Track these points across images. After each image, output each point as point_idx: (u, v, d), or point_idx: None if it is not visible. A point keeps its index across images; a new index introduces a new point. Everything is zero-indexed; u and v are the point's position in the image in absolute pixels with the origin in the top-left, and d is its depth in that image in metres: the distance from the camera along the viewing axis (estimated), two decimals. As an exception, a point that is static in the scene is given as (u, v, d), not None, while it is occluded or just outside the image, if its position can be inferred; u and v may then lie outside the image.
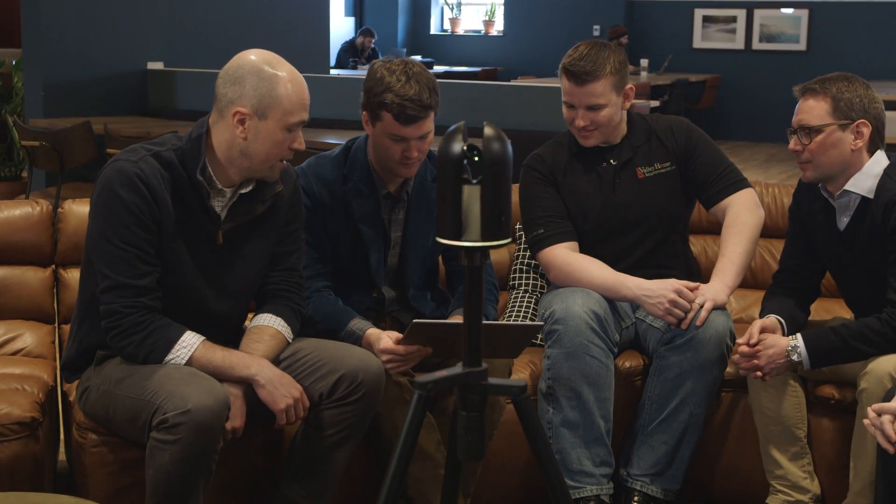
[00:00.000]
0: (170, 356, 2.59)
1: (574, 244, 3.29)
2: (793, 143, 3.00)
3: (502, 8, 15.60)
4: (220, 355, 2.63)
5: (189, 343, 2.60)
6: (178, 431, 2.44)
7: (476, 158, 1.74)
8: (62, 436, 3.14)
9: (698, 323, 3.08)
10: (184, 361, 2.59)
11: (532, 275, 3.65)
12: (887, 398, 2.64)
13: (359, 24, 15.97)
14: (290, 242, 2.85)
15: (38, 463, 2.81)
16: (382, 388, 2.76)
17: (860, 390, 2.90)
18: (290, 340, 2.81)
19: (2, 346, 3.25)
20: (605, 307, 3.14)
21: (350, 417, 2.72)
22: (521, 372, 3.23)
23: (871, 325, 2.91)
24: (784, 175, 10.71)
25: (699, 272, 3.49)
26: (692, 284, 3.14)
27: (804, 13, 13.68)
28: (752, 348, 3.02)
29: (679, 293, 3.09)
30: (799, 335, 2.99)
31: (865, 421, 2.59)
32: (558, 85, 3.31)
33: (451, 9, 16.26)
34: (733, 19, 14.06)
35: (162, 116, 7.92)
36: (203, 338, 2.63)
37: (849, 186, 2.99)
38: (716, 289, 3.14)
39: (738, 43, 14.05)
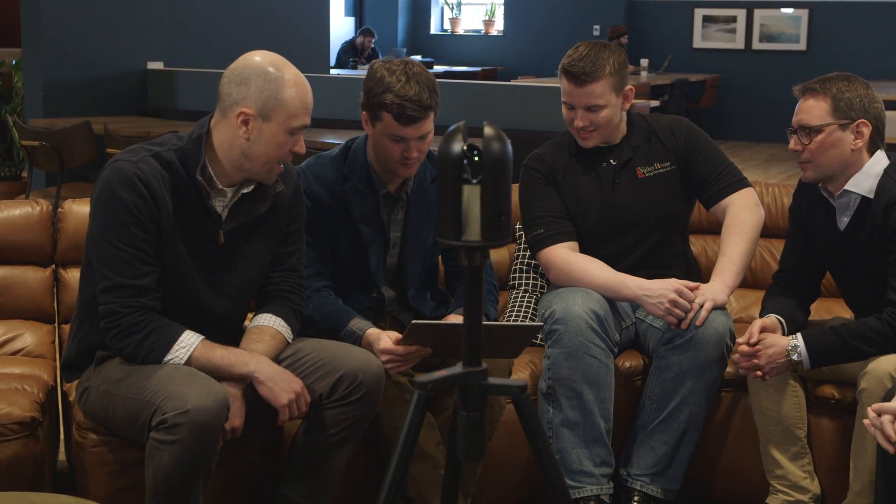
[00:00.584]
0: (169, 356, 2.59)
1: (574, 244, 3.29)
2: (793, 143, 3.00)
3: (502, 8, 15.60)
4: (220, 354, 2.63)
5: (188, 343, 2.60)
6: (177, 432, 2.44)
7: (476, 158, 1.74)
8: (62, 436, 3.13)
9: (698, 323, 3.08)
10: (183, 361, 2.59)
11: (532, 275, 3.65)
12: (887, 398, 2.64)
13: (359, 24, 15.97)
14: (292, 243, 2.85)
15: (38, 463, 2.81)
16: (382, 388, 2.76)
17: (860, 390, 2.90)
18: (290, 341, 2.80)
19: (2, 346, 3.25)
20: (606, 307, 3.14)
21: (350, 417, 2.72)
22: (521, 372, 3.23)
23: (871, 324, 2.91)
24: (784, 175, 10.71)
25: (699, 272, 3.49)
26: (692, 284, 3.14)
27: (804, 13, 13.68)
28: (752, 348, 3.02)
29: (679, 293, 3.09)
30: (799, 335, 2.99)
31: (865, 421, 2.59)
32: (558, 85, 3.31)
33: (451, 9, 16.26)
34: (733, 19, 14.07)
35: (162, 116, 7.92)
36: (202, 337, 2.63)
37: (849, 186, 2.98)
38: (716, 288, 3.14)
39: (738, 43, 14.06)
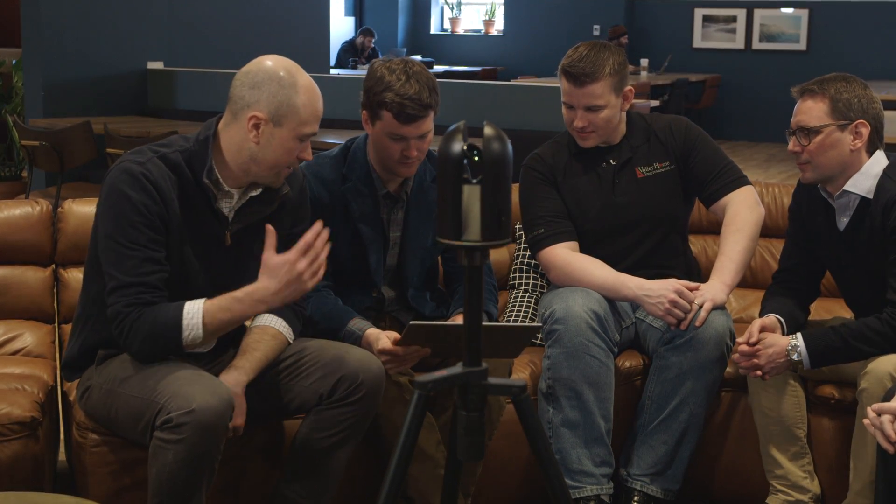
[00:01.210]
0: (185, 334, 2.53)
1: (574, 244, 3.29)
2: (792, 145, 3.00)
3: (502, 8, 15.60)
4: (227, 306, 2.56)
5: (194, 311, 2.54)
6: (182, 431, 2.43)
7: (476, 158, 1.74)
8: (62, 436, 3.13)
9: (698, 323, 3.08)
10: (200, 330, 2.54)
11: (532, 275, 3.65)
12: (887, 398, 2.64)
13: (359, 24, 15.97)
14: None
15: (38, 463, 2.81)
16: (382, 389, 2.76)
17: (860, 390, 2.90)
18: (291, 341, 2.80)
19: (2, 346, 3.25)
20: (606, 307, 3.14)
21: (350, 418, 2.72)
22: (521, 372, 3.23)
23: (871, 324, 2.91)
24: (784, 175, 10.71)
25: (699, 271, 3.49)
26: (692, 284, 3.14)
27: (804, 13, 13.68)
28: (752, 347, 3.02)
29: (679, 293, 3.09)
30: (799, 335, 2.99)
31: (865, 421, 2.59)
32: (558, 85, 3.32)
33: (451, 8, 16.26)
34: (733, 19, 14.07)
35: (162, 116, 7.92)
36: (200, 303, 2.56)
37: (848, 187, 2.99)
38: (715, 288, 3.13)
39: (738, 43, 14.06)
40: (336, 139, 6.20)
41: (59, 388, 3.13)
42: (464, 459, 1.91)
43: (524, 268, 3.66)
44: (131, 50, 8.16)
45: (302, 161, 2.69)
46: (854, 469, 2.98)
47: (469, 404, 1.85)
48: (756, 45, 13.99)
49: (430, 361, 2.97)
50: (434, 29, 16.36)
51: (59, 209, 3.38)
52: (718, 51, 14.15)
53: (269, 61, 2.62)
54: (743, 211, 3.26)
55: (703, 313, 3.08)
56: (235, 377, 2.65)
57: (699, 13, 14.25)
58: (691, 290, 3.11)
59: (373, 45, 14.39)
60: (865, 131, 2.95)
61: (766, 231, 3.56)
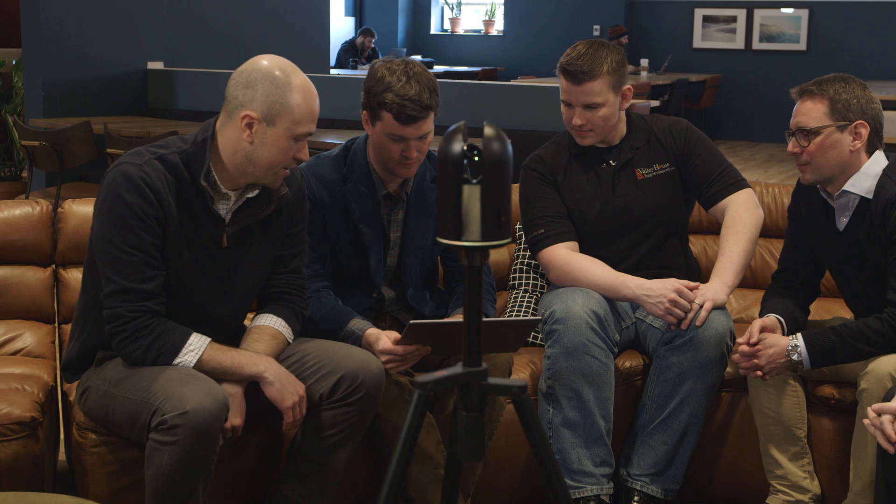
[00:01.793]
0: (178, 360, 2.58)
1: (574, 244, 3.30)
2: (791, 146, 3.00)
3: (502, 8, 15.60)
4: (229, 357, 2.63)
5: (196, 346, 2.60)
6: (176, 433, 2.44)
7: (476, 158, 1.74)
8: (62, 436, 3.13)
9: (698, 323, 3.08)
10: (192, 364, 2.59)
11: (532, 275, 3.65)
12: (887, 398, 2.65)
13: (359, 24, 15.97)
14: (294, 244, 2.84)
15: (38, 463, 2.81)
16: (382, 389, 2.76)
17: (860, 390, 2.90)
18: (291, 341, 2.80)
19: (2, 346, 3.25)
20: (605, 307, 3.14)
21: (350, 418, 2.72)
22: (521, 372, 3.23)
23: (871, 324, 2.91)
24: (784, 175, 10.71)
25: (699, 272, 3.50)
26: (692, 284, 3.14)
27: (804, 13, 13.68)
28: (752, 347, 3.02)
29: (679, 293, 3.09)
30: (799, 335, 3.00)
31: (865, 421, 2.59)
32: (558, 85, 3.32)
33: (451, 9, 16.26)
34: (733, 19, 14.07)
35: (162, 116, 7.93)
36: (209, 339, 2.63)
37: (848, 187, 2.99)
38: (715, 288, 3.14)
39: (738, 43, 14.06)
40: (336, 139, 6.21)
41: (59, 388, 3.13)
42: (464, 459, 1.91)
43: (524, 268, 3.66)
44: (131, 50, 8.17)
45: (299, 162, 2.68)
46: (854, 469, 2.98)
47: (469, 404, 1.85)
48: (756, 45, 13.99)
49: (431, 361, 2.97)
50: (434, 29, 16.36)
51: (59, 209, 3.38)
52: (718, 51, 14.15)
53: (265, 60, 2.62)
54: (743, 213, 3.27)
55: (703, 313, 3.08)
56: (235, 377, 2.65)
57: (699, 13, 14.25)
58: (691, 289, 3.11)
59: (373, 46, 14.40)
60: (865, 132, 2.95)
61: (766, 231, 3.56)
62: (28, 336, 3.28)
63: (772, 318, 3.09)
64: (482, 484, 3.12)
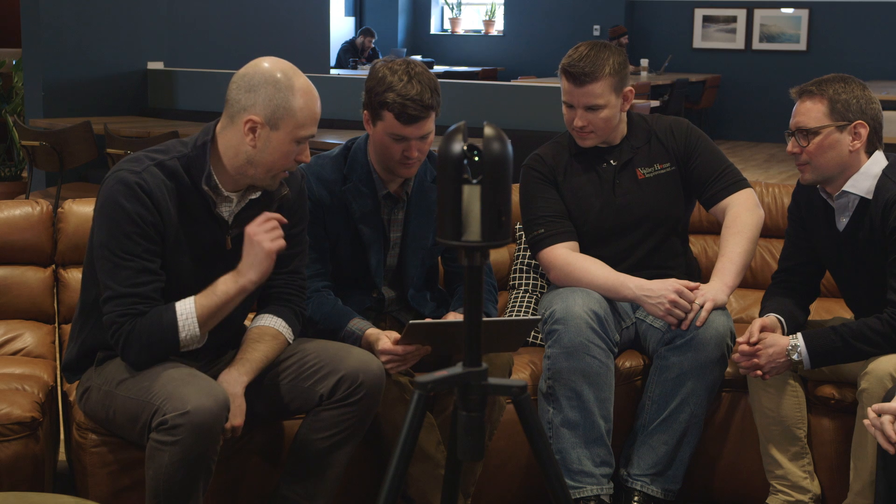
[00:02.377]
0: (182, 334, 2.54)
1: (574, 244, 3.29)
2: (791, 146, 3.00)
3: (502, 8, 15.61)
4: (214, 297, 2.57)
5: (187, 313, 2.55)
6: (177, 433, 2.44)
7: (476, 158, 1.74)
8: (62, 436, 3.13)
9: (698, 323, 3.08)
10: (197, 331, 2.55)
11: (532, 275, 3.65)
12: (887, 398, 2.64)
13: (359, 24, 15.97)
14: (295, 245, 2.84)
15: (38, 463, 2.81)
16: (382, 389, 2.76)
17: (860, 390, 2.90)
18: (291, 342, 2.80)
19: (2, 346, 3.25)
20: (606, 307, 3.14)
21: (350, 418, 2.72)
22: (521, 372, 3.23)
23: (871, 324, 2.91)
24: (784, 175, 10.71)
25: (699, 272, 3.50)
26: (692, 284, 3.14)
27: (804, 13, 13.68)
28: (752, 347, 3.02)
29: (679, 293, 3.09)
30: (799, 334, 2.99)
31: (866, 421, 2.59)
32: (558, 85, 3.32)
33: (451, 9, 16.26)
34: (733, 19, 14.07)
35: (162, 116, 7.92)
36: (190, 300, 2.57)
37: (847, 187, 2.99)
38: (716, 289, 3.14)
39: (738, 43, 14.06)
40: (336, 139, 6.21)
41: (59, 388, 3.13)
42: (464, 459, 1.91)
43: (524, 268, 3.66)
44: (131, 50, 8.17)
45: (300, 164, 2.68)
46: (854, 469, 2.98)
47: (469, 404, 1.85)
48: (756, 45, 13.99)
49: (431, 361, 2.97)
50: (434, 29, 16.37)
51: (59, 209, 3.38)
52: (718, 51, 14.15)
53: (266, 63, 2.61)
54: (743, 213, 3.27)
55: (703, 313, 3.08)
56: (235, 377, 2.65)
57: (699, 13, 14.25)
58: (691, 289, 3.11)
59: (373, 46, 14.40)
60: (864, 132, 2.95)
61: (766, 231, 3.56)
62: (28, 336, 3.28)
63: (772, 318, 3.09)
64: (482, 484, 3.12)
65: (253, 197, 2.69)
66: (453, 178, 1.74)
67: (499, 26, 15.84)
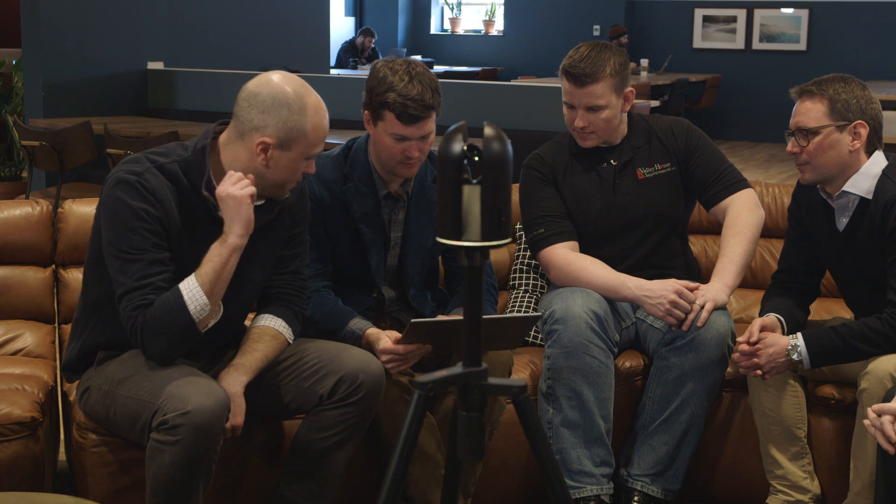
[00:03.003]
0: (191, 308, 2.51)
1: (574, 244, 3.29)
2: (790, 146, 3.00)
3: (502, 8, 15.61)
4: (211, 265, 2.54)
5: (193, 290, 2.52)
6: (177, 433, 2.44)
7: (476, 158, 1.74)
8: (62, 436, 3.13)
9: (699, 324, 3.08)
10: (207, 305, 2.52)
11: (532, 275, 3.65)
12: (887, 398, 2.65)
13: (359, 24, 15.97)
14: (295, 245, 2.84)
15: (38, 463, 2.81)
16: (382, 389, 2.76)
17: (860, 390, 2.90)
18: (291, 342, 2.80)
19: (2, 346, 3.25)
20: (605, 307, 3.14)
21: (350, 418, 2.72)
22: (521, 372, 3.23)
23: (871, 324, 2.91)
24: (784, 175, 10.71)
25: (699, 272, 3.50)
26: (692, 285, 3.14)
27: (804, 13, 13.68)
28: (752, 347, 3.02)
29: (679, 294, 3.09)
30: (799, 334, 2.99)
31: (866, 421, 2.59)
32: (558, 85, 3.32)
33: (451, 9, 16.27)
34: (733, 19, 14.07)
35: (162, 116, 7.92)
36: (192, 276, 2.55)
37: (847, 187, 2.99)
38: (716, 289, 3.13)
39: (738, 43, 14.06)
40: (336, 139, 6.18)
41: (59, 388, 3.13)
42: (464, 459, 1.91)
43: (524, 268, 3.66)
44: (131, 50, 8.16)
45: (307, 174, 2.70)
46: (854, 469, 2.98)
47: (469, 404, 1.85)
48: (756, 45, 13.99)
49: (431, 361, 2.97)
50: (434, 29, 16.37)
51: (59, 209, 3.38)
52: (718, 51, 14.15)
53: (277, 79, 2.59)
54: (744, 214, 3.27)
55: (704, 313, 3.08)
56: (235, 377, 2.65)
57: (699, 13, 14.25)
58: (691, 290, 3.11)
59: (373, 46, 14.40)
60: (864, 132, 2.95)
61: (766, 231, 3.56)
62: (28, 336, 3.28)
63: (772, 318, 3.09)
64: (482, 484, 3.12)
65: (257, 204, 2.67)
66: (453, 178, 1.74)
67: (499, 26, 15.84)
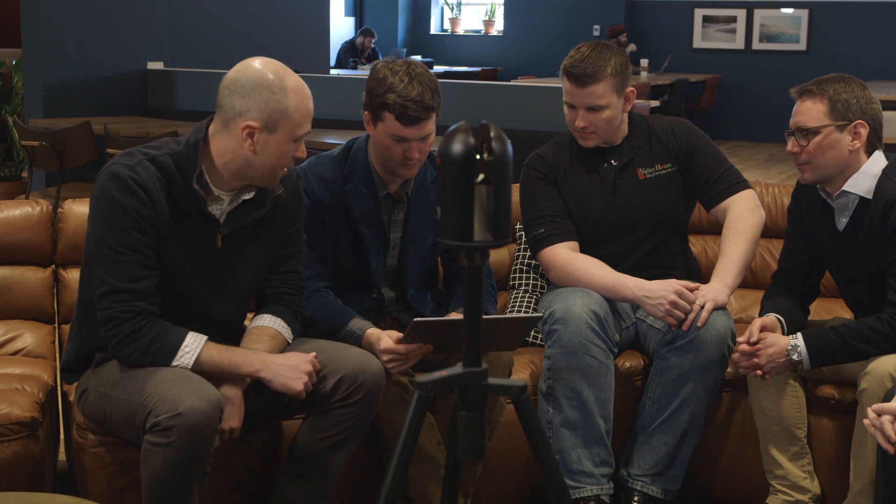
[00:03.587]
0: (175, 362, 2.57)
1: (574, 244, 3.30)
2: (790, 145, 3.00)
3: (502, 8, 15.60)
4: (226, 356, 2.62)
5: (192, 347, 2.59)
6: (170, 434, 2.43)
7: (486, 157, 1.73)
8: (62, 436, 3.13)
9: (699, 324, 3.08)
10: (190, 365, 2.57)
11: (532, 275, 3.65)
12: (887, 398, 2.65)
13: (359, 24, 15.97)
14: (291, 244, 2.84)
15: (38, 463, 2.81)
16: (382, 389, 2.75)
17: (860, 390, 2.90)
18: (290, 342, 2.80)
19: (2, 346, 3.25)
20: (605, 307, 3.14)
21: (350, 418, 2.72)
22: (521, 372, 3.23)
23: (871, 324, 2.91)
24: (784, 175, 10.71)
25: (699, 272, 3.50)
26: (692, 285, 3.14)
27: (804, 13, 13.68)
28: (752, 347, 3.02)
29: (679, 294, 3.09)
30: (799, 334, 3.00)
31: (865, 421, 2.59)
32: (558, 85, 3.32)
33: (451, 9, 16.26)
34: (733, 19, 14.07)
35: (162, 116, 7.92)
36: (205, 338, 2.61)
37: (847, 187, 2.99)
38: (716, 289, 3.13)
39: (738, 43, 14.06)
40: (336, 139, 6.21)
41: (59, 388, 3.13)
42: (464, 459, 1.91)
43: (524, 268, 3.66)
44: (131, 50, 8.16)
45: (299, 161, 2.68)
46: (854, 469, 2.98)
47: (469, 404, 1.85)
48: (756, 45, 13.99)
49: (432, 361, 2.97)
50: (434, 29, 16.37)
51: (59, 209, 3.38)
52: (718, 51, 14.15)
53: (256, 64, 2.60)
54: (744, 214, 3.27)
55: (704, 314, 3.08)
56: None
57: (699, 13, 14.25)
58: (691, 290, 3.11)
59: (373, 46, 14.40)
60: (864, 132, 2.95)
61: (766, 231, 3.56)
62: (28, 336, 3.28)
63: (772, 318, 3.09)
64: (482, 484, 3.12)
65: (247, 197, 2.68)
66: (453, 178, 1.74)
67: (499, 26, 15.84)
